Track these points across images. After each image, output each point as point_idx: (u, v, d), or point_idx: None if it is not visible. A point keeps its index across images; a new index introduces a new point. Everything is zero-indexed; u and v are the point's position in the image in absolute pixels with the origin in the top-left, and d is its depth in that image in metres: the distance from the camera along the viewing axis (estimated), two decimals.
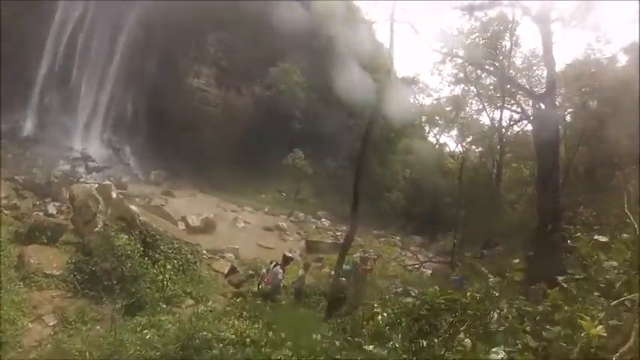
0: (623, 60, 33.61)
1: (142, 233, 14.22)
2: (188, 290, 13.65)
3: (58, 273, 12.46)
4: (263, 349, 8.03)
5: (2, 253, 12.73)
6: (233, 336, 8.69)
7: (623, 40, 50.65)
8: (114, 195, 16.26)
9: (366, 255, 17.27)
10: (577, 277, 5.79)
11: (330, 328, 8.95)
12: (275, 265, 14.78)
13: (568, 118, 31.80)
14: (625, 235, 4.52)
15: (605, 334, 2.63)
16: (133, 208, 16.07)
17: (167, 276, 12.91)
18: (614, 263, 4.32)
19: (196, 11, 34.43)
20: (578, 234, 6.01)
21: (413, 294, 15.37)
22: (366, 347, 4.55)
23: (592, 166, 31.45)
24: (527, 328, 3.57)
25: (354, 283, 15.59)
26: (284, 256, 15.70)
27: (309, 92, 41.57)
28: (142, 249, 13.39)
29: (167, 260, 13.77)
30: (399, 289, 18.91)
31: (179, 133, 36.62)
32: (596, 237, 4.05)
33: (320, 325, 9.43)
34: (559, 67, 26.61)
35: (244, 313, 10.61)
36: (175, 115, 36.83)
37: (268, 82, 40.95)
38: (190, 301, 13.25)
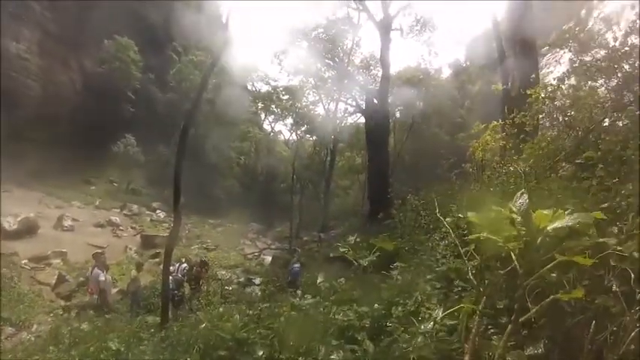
0: (446, 72, 42.93)
1: None
2: (5, 316, 11.79)
3: None
4: None
5: None
6: None
7: (448, 57, 60.19)
8: None
9: (202, 259, 17.07)
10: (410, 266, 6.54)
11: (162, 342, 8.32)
12: (93, 269, 13.35)
13: (397, 115, 35.49)
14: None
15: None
16: None
17: None
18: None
19: None
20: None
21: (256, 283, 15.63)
22: None
23: (416, 157, 35.84)
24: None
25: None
26: (94, 255, 14.47)
27: (145, 72, 39.26)
28: None
29: None
30: (242, 279, 19.25)
31: None
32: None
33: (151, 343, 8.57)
34: (393, 69, 29.58)
35: (52, 347, 8.86)
36: None
37: (101, 57, 37.46)
38: (10, 330, 11.49)
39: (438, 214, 4.12)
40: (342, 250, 3.40)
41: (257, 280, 19.52)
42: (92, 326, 10.28)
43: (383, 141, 22.73)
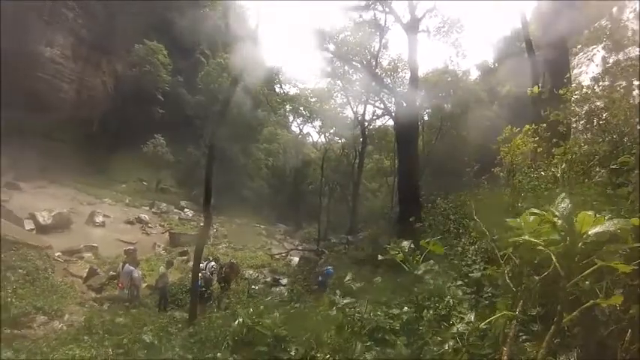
0: (475, 74, 40.33)
1: None
2: (39, 305, 11.95)
3: None
4: None
5: None
6: None
7: (476, 58, 58.61)
8: None
9: (232, 262, 17.21)
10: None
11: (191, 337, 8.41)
12: (124, 265, 13.91)
13: (426, 117, 35.24)
14: None
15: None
16: None
17: (10, 291, 11.33)
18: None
19: None
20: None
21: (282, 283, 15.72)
22: None
23: (444, 161, 35.34)
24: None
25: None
26: (126, 251, 14.85)
27: (174, 75, 40.00)
28: None
29: (10, 271, 12.21)
30: (268, 279, 19.36)
31: (25, 112, 31.40)
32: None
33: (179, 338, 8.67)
34: (421, 71, 29.32)
35: (86, 337, 9.26)
36: (21, 91, 31.56)
37: (132, 60, 38.35)
38: (43, 318, 11.68)
39: (476, 218, 4.01)
40: (392, 253, 3.34)
41: (284, 281, 19.58)
42: (126, 319, 10.60)
43: (412, 144, 22.45)
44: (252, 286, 17.16)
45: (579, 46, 13.32)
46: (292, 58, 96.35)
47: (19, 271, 12.72)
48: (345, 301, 4.01)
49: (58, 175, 30.45)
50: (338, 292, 4.13)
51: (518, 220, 2.11)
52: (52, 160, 30.89)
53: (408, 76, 28.72)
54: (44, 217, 20.19)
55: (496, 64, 43.58)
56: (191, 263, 19.34)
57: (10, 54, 30.11)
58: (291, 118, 48.04)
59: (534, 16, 13.98)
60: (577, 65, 17.13)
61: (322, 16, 79.65)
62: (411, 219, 14.80)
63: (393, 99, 32.90)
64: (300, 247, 30.59)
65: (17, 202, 21.92)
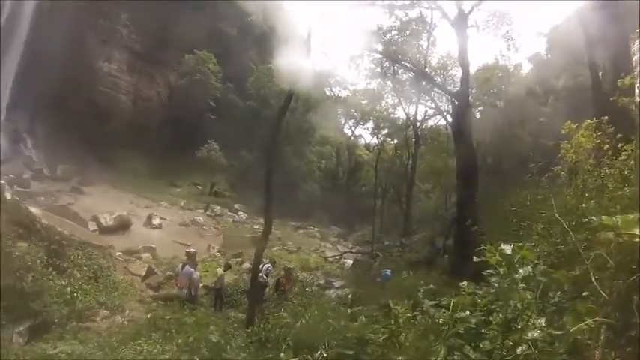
0: (527, 68, 38.31)
1: (45, 239, 12.79)
2: (102, 300, 12.46)
3: None
4: None
5: None
6: None
7: (528, 50, 55.51)
8: (8, 196, 14.78)
9: (287, 267, 16.98)
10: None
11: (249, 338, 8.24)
12: (184, 266, 13.99)
13: (478, 116, 33.82)
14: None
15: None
16: (33, 210, 14.68)
17: (77, 286, 11.67)
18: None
19: None
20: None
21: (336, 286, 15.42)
22: None
23: (498, 160, 33.81)
24: None
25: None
26: (187, 253, 15.03)
27: (225, 82, 40.77)
28: (45, 258, 11.98)
29: (76, 268, 12.56)
30: (322, 281, 19.04)
31: (87, 123, 33.90)
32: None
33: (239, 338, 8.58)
34: (471, 69, 28.18)
35: (153, 334, 9.57)
36: (83, 103, 34.30)
37: (183, 70, 39.50)
38: (105, 312, 12.14)
39: (556, 215, 3.67)
40: (489, 255, 3.02)
41: (337, 283, 19.19)
42: (190, 318, 10.69)
43: (469, 143, 21.50)
44: (306, 289, 16.93)
45: (638, 30, 11.92)
46: (341, 60, 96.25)
47: (84, 268, 13.11)
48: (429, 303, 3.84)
49: (118, 180, 31.91)
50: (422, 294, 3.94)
51: (615, 218, 2.04)
52: (112, 167, 33.00)
53: (458, 73, 27.81)
54: (106, 220, 21.08)
55: (549, 55, 41.19)
56: (245, 265, 19.48)
57: (72, 70, 32.33)
58: (342, 120, 47.78)
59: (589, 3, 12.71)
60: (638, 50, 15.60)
61: (368, 16, 79.15)
62: (468, 221, 14.17)
63: (444, 98, 31.91)
64: (353, 250, 30.17)
65: (82, 206, 23.00)
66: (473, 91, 28.57)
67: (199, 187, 36.69)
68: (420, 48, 31.51)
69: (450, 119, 30.56)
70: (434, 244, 24.65)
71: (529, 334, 2.69)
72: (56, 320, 10.50)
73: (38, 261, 11.52)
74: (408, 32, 30.40)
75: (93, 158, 32.33)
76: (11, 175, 24.68)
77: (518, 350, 2.60)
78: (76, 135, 31.70)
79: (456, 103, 22.99)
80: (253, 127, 39.86)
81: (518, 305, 3.39)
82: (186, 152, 34.75)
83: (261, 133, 39.79)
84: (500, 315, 3.39)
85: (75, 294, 11.38)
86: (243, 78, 42.75)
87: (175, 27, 38.29)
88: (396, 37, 29.71)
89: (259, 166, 40.76)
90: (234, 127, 39.80)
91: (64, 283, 11.76)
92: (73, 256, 12.42)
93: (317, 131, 48.37)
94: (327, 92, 45.85)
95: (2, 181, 18.23)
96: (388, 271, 15.67)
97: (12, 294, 10.15)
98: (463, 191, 20.07)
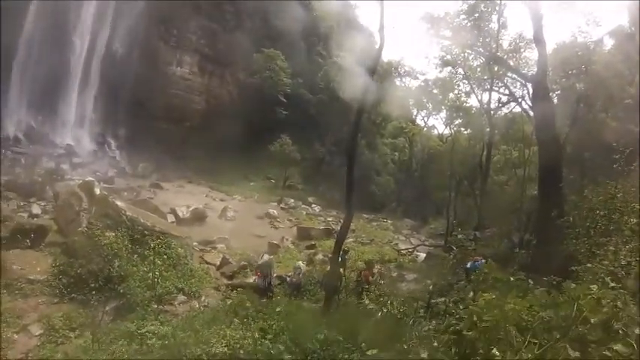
0: (609, 44, 33.65)
1: (129, 229, 13.77)
2: (180, 286, 13.27)
3: (42, 278, 11.76)
4: None
5: None
6: (225, 348, 7.63)
7: (609, 24, 50.36)
8: (97, 191, 15.82)
9: (369, 260, 16.81)
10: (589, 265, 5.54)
11: (329, 324, 8.21)
12: (264, 256, 14.56)
13: (555, 100, 31.43)
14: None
15: None
16: (119, 203, 15.62)
17: (157, 273, 12.18)
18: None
19: None
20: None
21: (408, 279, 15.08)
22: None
23: (580, 148, 31.28)
24: None
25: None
26: (270, 244, 15.31)
27: (294, 77, 41.29)
28: (129, 246, 12.93)
29: (157, 256, 13.08)
30: (394, 274, 18.64)
31: (164, 124, 36.42)
32: None
33: (319, 325, 8.50)
34: (547, 49, 26.22)
35: (235, 320, 9.78)
36: (159, 106, 36.56)
37: (252, 69, 40.50)
38: (183, 298, 12.89)
39: None
40: None
41: (409, 276, 18.77)
42: (269, 306, 11.18)
43: (551, 132, 20.14)
44: (380, 281, 16.70)
45: None
46: (410, 49, 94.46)
47: (164, 256, 13.70)
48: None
49: (193, 176, 33.88)
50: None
51: None
52: (187, 163, 35.06)
53: (532, 55, 26.02)
54: (183, 212, 22.14)
55: (633, 28, 36.93)
56: (318, 257, 19.57)
57: (147, 76, 34.97)
58: (415, 111, 46.79)
59: None
60: None
61: (433, 3, 76.98)
62: (552, 215, 13.27)
63: (518, 83, 30.14)
64: (427, 243, 29.46)
65: (161, 199, 24.43)
66: (549, 74, 26.66)
67: (273, 181, 37.33)
68: (491, 31, 29.89)
69: (524, 106, 28.92)
70: (510, 239, 23.55)
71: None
72: (139, 302, 11.26)
73: (124, 249, 12.47)
74: (476, 14, 29.06)
75: (169, 156, 34.61)
76: (98, 173, 27.05)
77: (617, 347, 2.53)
78: (154, 135, 34.50)
79: (531, 87, 21.63)
80: (325, 121, 40.16)
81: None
82: (260, 147, 35.58)
83: (333, 126, 40.00)
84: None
85: (156, 279, 11.95)
86: (313, 73, 43.12)
87: (242, 29, 40.20)
88: (465, 21, 28.54)
89: (332, 159, 41.14)
90: (305, 121, 40.25)
91: (146, 269, 12.47)
92: (154, 245, 12.86)
93: (389, 123, 47.87)
94: (397, 83, 45.09)
95: (92, 178, 19.41)
96: (482, 260, 14.78)
97: (100, 277, 11.11)
98: (546, 183, 18.84)
